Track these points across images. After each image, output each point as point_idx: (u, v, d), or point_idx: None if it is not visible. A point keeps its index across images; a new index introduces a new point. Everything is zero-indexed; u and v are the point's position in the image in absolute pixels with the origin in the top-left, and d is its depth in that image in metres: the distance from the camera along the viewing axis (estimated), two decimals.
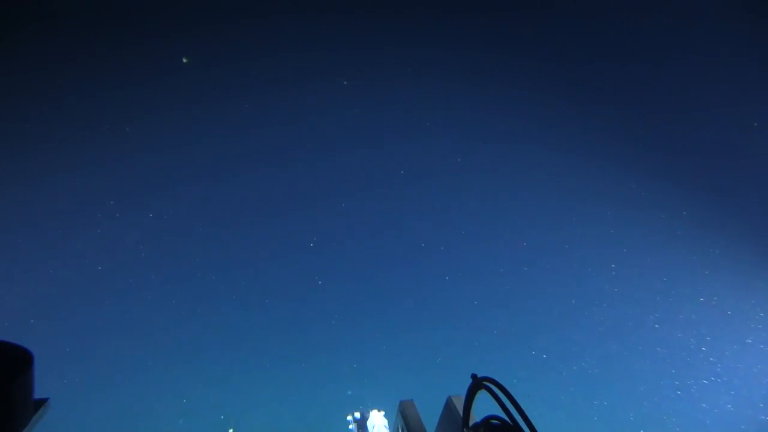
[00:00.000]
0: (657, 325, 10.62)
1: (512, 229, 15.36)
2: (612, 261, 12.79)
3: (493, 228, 15.34)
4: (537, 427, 1.18)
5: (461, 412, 1.40)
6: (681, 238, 11.86)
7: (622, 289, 12.65)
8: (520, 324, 11.16)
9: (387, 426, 2.25)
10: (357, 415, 2.37)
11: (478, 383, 1.35)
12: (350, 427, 2.35)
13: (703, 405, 8.85)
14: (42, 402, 1.12)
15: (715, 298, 10.81)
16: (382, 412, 2.34)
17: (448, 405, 1.83)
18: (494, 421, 1.24)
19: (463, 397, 1.41)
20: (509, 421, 1.23)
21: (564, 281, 13.61)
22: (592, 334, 11.19)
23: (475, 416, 1.43)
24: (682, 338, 10.24)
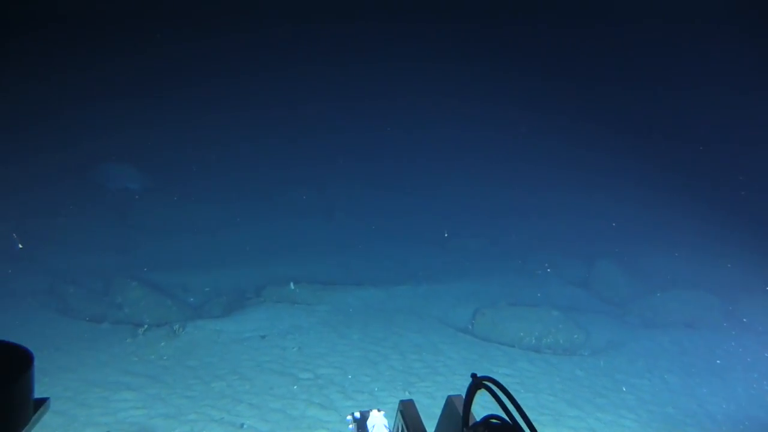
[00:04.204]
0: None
1: (520, 224, 15.33)
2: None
3: (505, 225, 15.32)
4: (537, 427, 1.18)
5: (461, 412, 1.40)
6: None
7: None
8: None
9: (387, 426, 2.25)
10: (357, 414, 2.36)
11: (477, 383, 1.35)
12: (350, 427, 2.34)
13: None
14: (42, 402, 1.12)
15: None
16: (382, 412, 2.34)
17: (448, 405, 1.83)
18: (494, 421, 1.25)
19: (463, 397, 1.41)
20: (509, 420, 1.23)
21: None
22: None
23: (475, 416, 1.43)
24: None
